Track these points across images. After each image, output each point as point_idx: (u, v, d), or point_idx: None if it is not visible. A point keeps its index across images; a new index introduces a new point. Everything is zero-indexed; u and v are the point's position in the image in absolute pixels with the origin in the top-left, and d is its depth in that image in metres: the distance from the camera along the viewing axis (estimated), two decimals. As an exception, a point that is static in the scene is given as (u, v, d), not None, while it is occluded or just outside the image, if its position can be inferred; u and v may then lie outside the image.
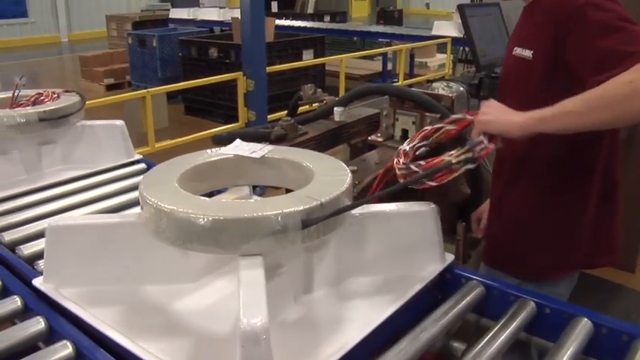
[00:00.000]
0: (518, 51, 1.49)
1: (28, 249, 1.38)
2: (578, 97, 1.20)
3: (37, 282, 1.19)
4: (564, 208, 1.50)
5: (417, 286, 1.18)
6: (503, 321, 1.13)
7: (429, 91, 2.21)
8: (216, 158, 1.31)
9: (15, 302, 1.16)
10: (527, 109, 1.26)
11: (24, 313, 1.16)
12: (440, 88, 2.39)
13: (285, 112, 2.56)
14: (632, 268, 3.69)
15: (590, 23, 1.27)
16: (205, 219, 0.99)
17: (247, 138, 1.47)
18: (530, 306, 1.18)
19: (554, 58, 1.38)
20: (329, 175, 1.17)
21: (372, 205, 1.28)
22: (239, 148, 1.34)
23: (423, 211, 1.27)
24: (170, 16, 11.26)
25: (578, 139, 1.32)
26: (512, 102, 1.44)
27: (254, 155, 1.30)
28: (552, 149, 1.44)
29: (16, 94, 1.93)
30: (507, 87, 1.58)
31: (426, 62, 8.68)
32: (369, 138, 2.23)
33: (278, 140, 2.00)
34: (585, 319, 1.13)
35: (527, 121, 1.25)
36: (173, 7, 13.02)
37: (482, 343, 1.07)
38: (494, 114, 1.29)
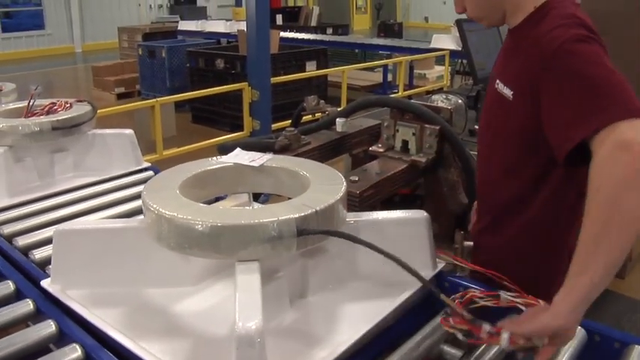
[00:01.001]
0: (499, 86, 1.35)
1: (40, 253, 1.42)
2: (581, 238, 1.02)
3: (45, 283, 1.24)
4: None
5: (409, 292, 1.21)
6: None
7: (428, 104, 2.25)
8: (216, 166, 1.36)
9: (28, 305, 1.21)
10: (507, 166, 1.21)
11: (36, 316, 1.20)
12: (439, 101, 2.44)
13: (289, 121, 2.61)
14: (621, 275, 3.71)
15: (566, 70, 1.15)
16: (204, 225, 1.04)
17: (252, 148, 1.52)
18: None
19: (532, 109, 1.23)
20: (325, 184, 1.22)
21: (366, 212, 1.33)
22: (239, 156, 1.39)
23: (416, 218, 1.31)
24: (179, 28, 11.40)
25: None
26: (488, 150, 1.43)
27: (253, 164, 1.35)
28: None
29: (31, 103, 1.99)
30: (488, 129, 1.46)
31: (425, 74, 8.80)
32: (370, 148, 2.27)
33: (282, 150, 2.05)
34: (578, 326, 1.14)
35: (568, 308, 1.03)
36: (182, 19, 13.18)
37: (479, 350, 1.11)
38: (540, 323, 1.03)
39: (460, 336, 1.04)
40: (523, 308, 1.14)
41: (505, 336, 1.00)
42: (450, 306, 1.07)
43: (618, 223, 0.99)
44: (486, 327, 1.02)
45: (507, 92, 1.31)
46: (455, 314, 1.06)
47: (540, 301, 1.13)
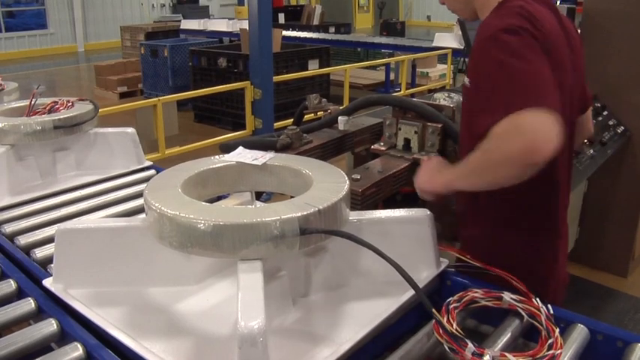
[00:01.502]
0: (465, 78, 1.47)
1: (41, 252, 1.43)
2: (469, 158, 1.25)
3: (47, 282, 1.24)
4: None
5: (411, 291, 1.20)
6: (501, 326, 1.15)
7: (430, 102, 2.24)
8: (219, 165, 1.35)
9: (29, 304, 1.21)
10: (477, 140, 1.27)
11: (37, 315, 1.20)
12: (441, 99, 2.43)
13: (291, 120, 2.60)
14: (624, 273, 3.73)
15: (489, 58, 1.25)
16: (206, 224, 1.03)
17: (254, 146, 1.51)
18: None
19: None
20: (327, 183, 1.21)
21: (369, 211, 1.32)
22: (241, 155, 1.39)
23: (419, 217, 1.30)
24: (181, 27, 11.41)
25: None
26: (465, 132, 1.50)
27: (255, 162, 1.35)
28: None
29: (33, 102, 2.00)
30: (462, 115, 1.58)
31: (427, 72, 8.78)
32: (372, 147, 2.26)
33: (284, 149, 2.04)
34: (581, 325, 1.15)
35: (446, 183, 1.36)
36: (184, 18, 13.20)
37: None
38: (424, 178, 1.42)
39: (447, 348, 1.03)
40: (524, 314, 1.14)
41: (487, 358, 0.99)
42: (438, 321, 1.06)
43: (488, 177, 1.24)
44: (471, 347, 1.01)
45: (467, 81, 1.42)
46: (441, 329, 1.06)
47: (542, 309, 1.13)
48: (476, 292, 1.18)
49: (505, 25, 1.24)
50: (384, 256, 1.08)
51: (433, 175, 1.41)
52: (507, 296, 1.16)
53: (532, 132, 1.12)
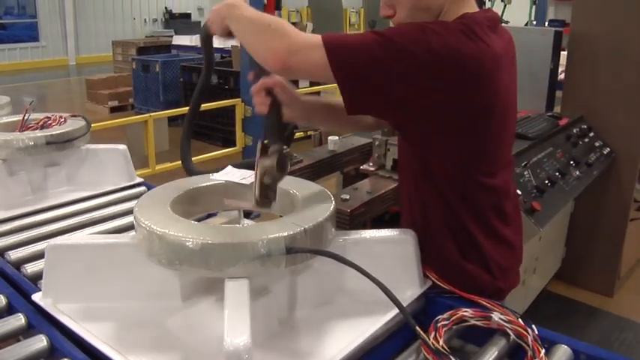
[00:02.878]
0: None
1: (32, 267, 1.43)
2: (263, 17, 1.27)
3: (37, 297, 1.25)
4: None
5: (396, 310, 1.23)
6: (486, 345, 1.16)
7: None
8: (207, 184, 1.38)
9: (19, 320, 1.21)
10: None
11: (27, 331, 1.21)
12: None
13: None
14: (610, 293, 3.77)
15: None
16: (195, 242, 1.06)
17: (245, 167, 1.54)
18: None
19: None
20: (313, 203, 1.24)
21: (355, 231, 1.35)
22: (230, 174, 1.42)
23: (403, 238, 1.33)
24: (173, 43, 11.47)
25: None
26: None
27: (244, 182, 1.38)
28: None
29: (26, 117, 2.02)
30: None
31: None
32: (362, 167, 2.30)
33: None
34: (564, 346, 1.16)
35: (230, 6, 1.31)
36: (176, 34, 13.28)
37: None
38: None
39: None
40: (512, 334, 1.16)
41: None
42: (422, 338, 1.09)
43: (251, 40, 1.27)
44: None
45: None
46: (426, 347, 1.08)
47: (529, 330, 1.14)
48: (465, 311, 1.20)
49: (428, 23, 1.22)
50: (369, 275, 1.11)
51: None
52: (496, 316, 1.18)
53: (288, 43, 1.20)
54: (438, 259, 1.39)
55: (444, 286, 1.34)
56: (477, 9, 1.34)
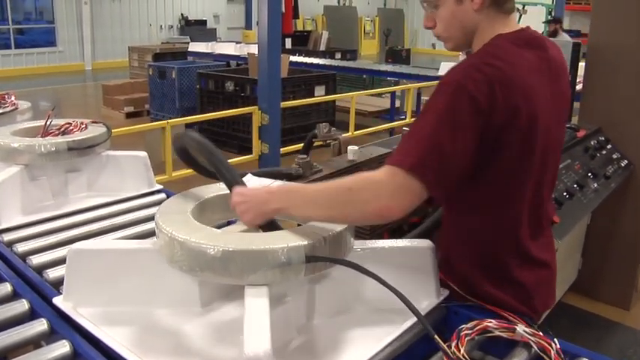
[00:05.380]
0: None
1: (53, 273, 1.45)
2: (313, 188, 1.23)
3: (57, 300, 1.27)
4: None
5: (413, 319, 1.23)
6: (508, 357, 1.15)
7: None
8: (227, 192, 1.39)
9: (42, 324, 1.23)
10: None
11: (50, 336, 1.22)
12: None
13: (297, 145, 2.65)
14: (627, 306, 3.73)
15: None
16: (215, 249, 1.07)
17: (270, 176, 1.56)
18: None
19: None
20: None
21: (373, 240, 1.36)
22: (250, 182, 1.43)
23: (420, 247, 1.34)
24: (189, 49, 11.55)
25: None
26: None
27: (264, 190, 1.39)
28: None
29: (48, 123, 2.04)
30: None
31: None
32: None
33: (297, 178, 2.09)
34: (585, 359, 1.16)
35: (275, 211, 1.23)
36: (192, 40, 13.40)
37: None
38: (243, 208, 1.25)
39: None
40: (535, 347, 1.14)
41: None
42: (441, 347, 1.09)
43: (332, 206, 1.20)
44: None
45: None
46: (447, 356, 1.08)
47: (553, 343, 1.14)
48: (490, 321, 1.19)
49: (461, 79, 1.23)
50: (387, 284, 1.12)
51: (257, 205, 1.24)
52: (521, 329, 1.17)
53: (384, 197, 1.16)
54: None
55: (468, 297, 1.33)
56: (513, 28, 1.35)
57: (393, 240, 1.37)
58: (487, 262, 1.39)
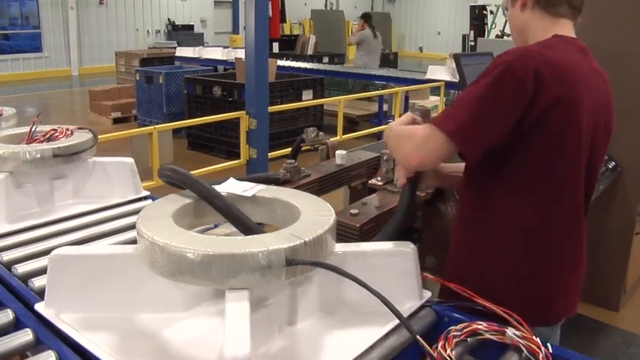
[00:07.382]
0: None
1: (39, 281, 1.43)
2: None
3: (39, 307, 1.26)
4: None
5: (395, 321, 1.24)
6: None
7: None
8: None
9: (27, 335, 1.21)
10: None
11: (35, 346, 1.21)
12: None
13: (285, 150, 2.65)
14: (616, 307, 3.76)
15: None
16: (196, 254, 1.08)
17: (259, 181, 1.57)
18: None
19: None
20: (314, 215, 1.26)
21: (354, 243, 1.37)
22: (232, 186, 1.44)
23: (402, 250, 1.35)
24: (176, 54, 11.55)
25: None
26: None
27: (245, 194, 1.40)
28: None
29: (33, 129, 2.01)
30: None
31: (420, 104, 8.92)
32: (370, 182, 2.29)
33: (285, 182, 2.09)
34: None
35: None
36: (179, 45, 13.38)
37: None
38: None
39: None
40: (525, 351, 1.14)
41: None
42: (425, 349, 1.10)
43: (395, 155, 1.63)
44: None
45: None
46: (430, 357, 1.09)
47: (543, 348, 1.14)
48: (479, 324, 1.20)
49: (511, 61, 1.35)
50: (367, 286, 1.13)
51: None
52: (511, 332, 1.17)
53: (421, 152, 1.43)
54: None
55: (453, 287, 1.32)
56: (568, 34, 1.49)
57: (374, 243, 1.38)
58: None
